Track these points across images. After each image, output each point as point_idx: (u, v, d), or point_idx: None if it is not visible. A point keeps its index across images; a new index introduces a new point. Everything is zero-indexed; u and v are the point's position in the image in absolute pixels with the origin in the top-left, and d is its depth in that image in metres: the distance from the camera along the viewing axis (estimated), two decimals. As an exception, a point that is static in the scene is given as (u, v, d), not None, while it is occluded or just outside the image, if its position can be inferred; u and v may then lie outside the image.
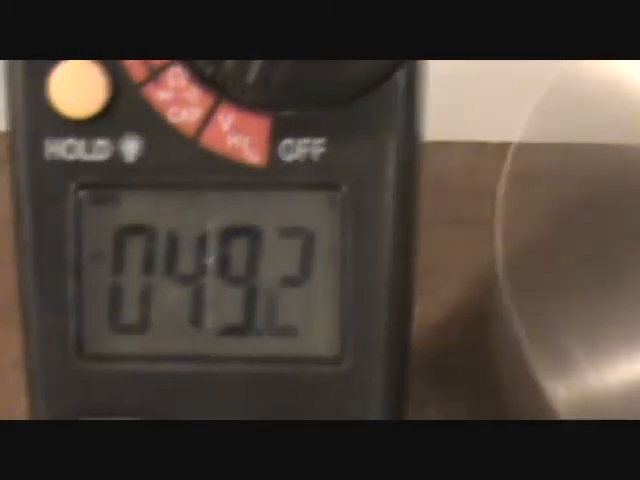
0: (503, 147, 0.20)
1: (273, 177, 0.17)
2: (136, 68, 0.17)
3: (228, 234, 0.17)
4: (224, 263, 0.17)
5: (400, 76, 0.17)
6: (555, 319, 0.18)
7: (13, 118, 0.17)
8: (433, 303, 0.21)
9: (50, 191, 0.17)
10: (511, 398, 0.20)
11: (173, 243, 0.17)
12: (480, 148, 0.22)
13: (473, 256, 0.21)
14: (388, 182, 0.17)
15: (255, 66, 0.15)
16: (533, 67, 0.19)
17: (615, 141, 0.19)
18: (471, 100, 0.23)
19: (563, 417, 0.17)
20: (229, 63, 0.16)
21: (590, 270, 0.18)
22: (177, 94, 0.17)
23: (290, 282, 0.17)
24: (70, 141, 0.17)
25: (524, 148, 0.19)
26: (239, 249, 0.17)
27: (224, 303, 0.17)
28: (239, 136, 0.17)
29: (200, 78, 0.16)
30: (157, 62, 0.17)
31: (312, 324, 0.17)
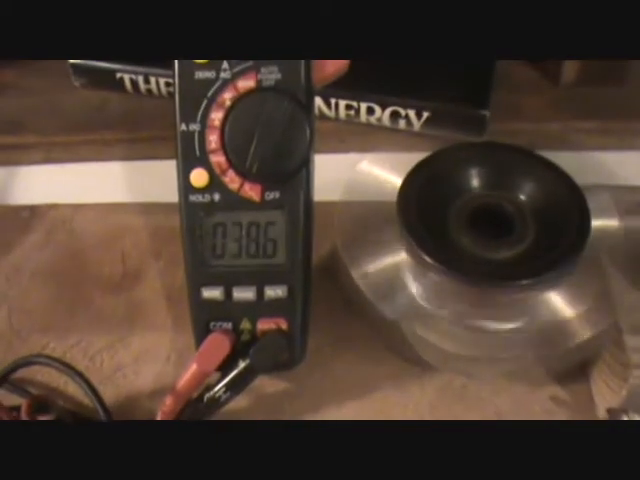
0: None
1: (263, 206, 0.50)
2: (228, 176, 0.51)
3: (250, 226, 0.51)
4: (248, 236, 0.51)
5: (306, 168, 0.50)
6: (358, 261, 0.52)
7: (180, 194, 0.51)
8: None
9: (193, 215, 0.51)
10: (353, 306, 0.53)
11: (230, 230, 0.51)
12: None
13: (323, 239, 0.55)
14: (302, 207, 0.50)
15: (253, 164, 0.49)
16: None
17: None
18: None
19: (367, 293, 0.51)
20: (247, 165, 0.49)
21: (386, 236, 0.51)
22: (232, 181, 0.50)
23: (269, 240, 0.51)
24: (198, 196, 0.51)
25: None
26: (255, 231, 0.51)
27: (249, 249, 0.51)
28: (252, 191, 0.50)
29: (240, 173, 0.50)
30: (219, 169, 0.50)
31: (278, 255, 0.51)
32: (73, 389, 0.53)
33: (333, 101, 0.64)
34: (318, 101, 0.64)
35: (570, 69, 0.68)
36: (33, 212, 0.62)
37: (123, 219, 0.61)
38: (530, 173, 0.50)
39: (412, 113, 0.63)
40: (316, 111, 0.65)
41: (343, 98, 0.64)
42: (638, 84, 0.69)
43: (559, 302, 0.48)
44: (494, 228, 0.49)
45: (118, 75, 0.66)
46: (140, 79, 0.66)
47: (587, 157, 0.66)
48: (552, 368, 0.52)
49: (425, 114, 0.63)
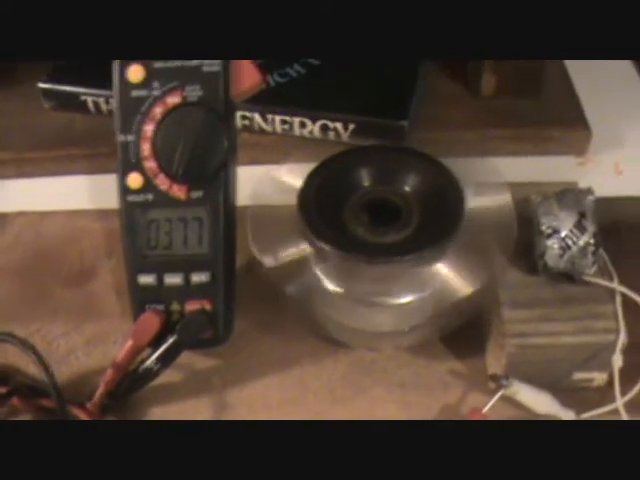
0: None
1: (189, 203, 0.58)
2: (159, 178, 0.59)
3: (179, 221, 0.58)
4: (177, 229, 0.59)
5: (225, 170, 0.58)
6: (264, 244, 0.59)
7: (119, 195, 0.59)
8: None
9: (131, 213, 0.59)
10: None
11: (162, 225, 0.59)
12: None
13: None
14: (222, 204, 0.58)
15: (179, 168, 0.57)
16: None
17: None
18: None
19: (276, 281, 0.58)
20: (174, 169, 0.57)
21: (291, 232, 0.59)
22: (163, 183, 0.59)
23: (195, 233, 0.58)
24: (135, 196, 0.59)
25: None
26: (183, 225, 0.59)
27: (178, 241, 0.59)
28: (179, 191, 0.58)
29: (169, 176, 0.58)
30: (152, 173, 0.59)
31: (203, 245, 0.58)
32: (33, 370, 0.60)
33: (270, 117, 0.72)
34: (257, 117, 0.72)
35: (488, 82, 0.75)
36: (4, 219, 0.70)
37: (83, 223, 0.69)
38: (414, 168, 0.57)
39: (339, 125, 0.71)
40: (255, 126, 0.73)
41: (278, 114, 0.71)
42: (551, 95, 0.76)
43: (446, 273, 0.55)
44: (385, 217, 0.56)
45: (82, 98, 0.74)
46: (101, 101, 0.74)
47: (503, 162, 0.74)
48: (446, 331, 0.59)
49: (351, 126, 0.71)
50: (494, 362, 0.58)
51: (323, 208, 0.56)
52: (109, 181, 0.68)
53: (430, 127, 0.73)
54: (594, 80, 0.78)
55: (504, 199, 0.56)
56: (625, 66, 0.82)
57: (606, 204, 0.69)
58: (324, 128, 0.71)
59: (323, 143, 0.72)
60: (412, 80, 0.73)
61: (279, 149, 0.73)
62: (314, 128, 0.71)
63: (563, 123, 0.75)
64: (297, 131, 0.72)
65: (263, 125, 0.72)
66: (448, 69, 0.78)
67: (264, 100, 0.70)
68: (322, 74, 0.74)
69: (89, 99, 0.74)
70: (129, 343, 0.57)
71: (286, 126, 0.72)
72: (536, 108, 0.75)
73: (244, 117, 0.72)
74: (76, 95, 0.75)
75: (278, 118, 0.72)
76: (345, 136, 0.71)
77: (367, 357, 0.61)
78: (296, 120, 0.71)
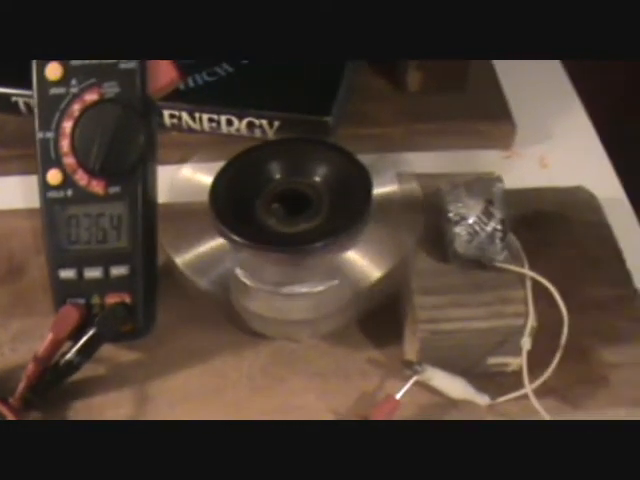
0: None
1: (107, 198, 0.59)
2: (78, 174, 0.60)
3: (98, 216, 0.59)
4: (96, 224, 0.60)
5: (143, 166, 0.59)
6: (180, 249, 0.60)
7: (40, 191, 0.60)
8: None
9: (51, 209, 0.60)
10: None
11: (82, 220, 0.60)
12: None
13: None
14: (140, 199, 0.59)
15: (96, 163, 0.58)
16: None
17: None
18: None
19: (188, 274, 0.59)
20: (92, 164, 0.58)
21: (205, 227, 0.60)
22: (81, 178, 0.60)
23: (114, 228, 0.59)
24: (54, 192, 0.60)
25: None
26: (102, 220, 0.60)
27: (98, 236, 0.60)
28: (98, 186, 0.59)
29: (87, 171, 0.59)
30: (71, 169, 0.60)
31: (122, 239, 0.59)
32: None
33: (197, 115, 0.73)
34: (185, 116, 0.73)
35: (414, 78, 0.77)
36: None
37: (13, 222, 0.70)
38: (323, 158, 0.58)
39: (265, 123, 0.72)
40: (184, 125, 0.74)
41: (205, 112, 0.73)
42: (477, 89, 0.78)
43: (356, 260, 0.56)
44: (296, 208, 0.57)
45: (13, 99, 0.75)
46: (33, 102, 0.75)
47: (430, 157, 0.75)
48: (362, 316, 0.61)
49: (276, 123, 0.72)
50: (410, 349, 0.59)
51: (235, 202, 0.57)
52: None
53: (357, 123, 0.75)
54: (520, 74, 0.80)
55: (411, 187, 0.57)
56: (550, 60, 0.84)
57: (529, 194, 0.72)
58: (250, 125, 0.72)
59: (250, 140, 0.73)
60: (338, 77, 0.75)
61: (207, 147, 0.74)
62: (241, 126, 0.73)
63: (489, 117, 0.77)
64: (224, 129, 0.73)
65: (191, 123, 0.73)
66: (375, 66, 0.79)
67: (191, 98, 0.72)
68: (251, 72, 0.75)
69: (20, 100, 0.75)
70: (49, 336, 0.57)
71: (213, 124, 0.73)
72: (462, 103, 0.77)
73: (172, 116, 0.73)
74: (7, 96, 0.75)
75: (205, 116, 0.73)
76: (271, 133, 0.73)
77: (287, 347, 0.62)
78: (223, 118, 0.73)
